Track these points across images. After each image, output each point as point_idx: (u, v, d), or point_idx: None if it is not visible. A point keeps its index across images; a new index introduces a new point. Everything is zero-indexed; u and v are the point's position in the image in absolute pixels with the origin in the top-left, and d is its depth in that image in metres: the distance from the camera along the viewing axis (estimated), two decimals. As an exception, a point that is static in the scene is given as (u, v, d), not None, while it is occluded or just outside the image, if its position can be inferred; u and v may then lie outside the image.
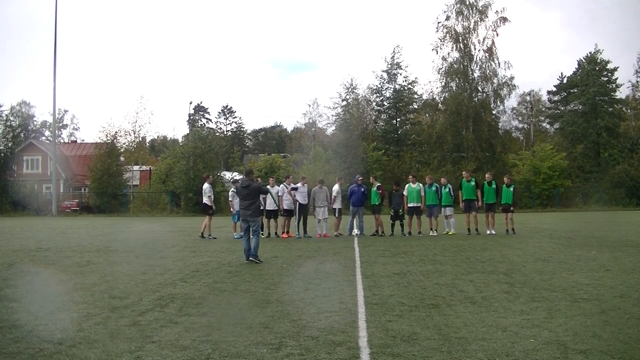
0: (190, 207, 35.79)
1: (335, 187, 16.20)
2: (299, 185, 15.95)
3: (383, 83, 44.23)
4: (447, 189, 16.30)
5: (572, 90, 50.53)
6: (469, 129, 39.91)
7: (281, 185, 16.19)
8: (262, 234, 15.98)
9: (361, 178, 16.83)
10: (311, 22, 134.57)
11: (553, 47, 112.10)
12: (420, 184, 16.29)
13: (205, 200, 16.18)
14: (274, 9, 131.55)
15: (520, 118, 64.70)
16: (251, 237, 10.15)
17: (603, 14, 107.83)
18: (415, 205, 16.01)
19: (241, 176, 37.52)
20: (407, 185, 16.27)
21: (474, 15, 40.89)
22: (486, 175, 17.07)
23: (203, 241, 15.02)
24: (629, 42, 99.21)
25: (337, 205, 16.10)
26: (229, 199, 16.31)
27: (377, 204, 16.24)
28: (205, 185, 16.36)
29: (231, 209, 16.17)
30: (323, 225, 15.97)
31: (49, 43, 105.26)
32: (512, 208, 16.37)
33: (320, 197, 15.84)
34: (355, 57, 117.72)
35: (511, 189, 16.48)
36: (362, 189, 16.28)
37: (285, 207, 15.89)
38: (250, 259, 10.06)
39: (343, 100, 44.21)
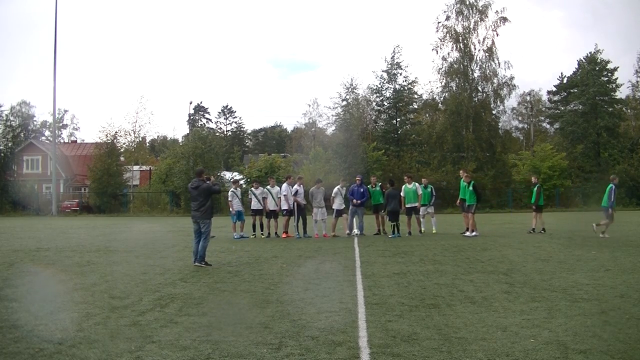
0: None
1: (335, 189, 16.12)
2: (296, 187, 15.93)
3: (383, 83, 44.18)
4: (428, 189, 16.61)
5: (572, 90, 50.51)
6: (469, 129, 39.87)
7: (283, 185, 16.17)
8: (262, 234, 16.14)
9: (359, 177, 16.82)
10: (312, 22, 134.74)
11: (555, 46, 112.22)
12: (417, 184, 16.29)
13: None
14: (275, 9, 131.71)
15: (520, 118, 64.75)
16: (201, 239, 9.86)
17: (606, 13, 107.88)
18: (413, 205, 16.04)
19: (241, 176, 37.68)
20: (403, 186, 16.26)
21: (474, 15, 40.83)
22: (460, 172, 16.67)
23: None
24: (632, 41, 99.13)
25: (336, 205, 15.98)
26: (229, 199, 16.29)
27: (380, 202, 16.39)
28: None
29: (230, 209, 16.16)
30: (322, 225, 15.97)
31: (49, 43, 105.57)
32: (534, 207, 16.41)
33: (318, 197, 15.84)
34: (355, 57, 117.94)
35: (535, 188, 16.69)
36: (362, 189, 16.27)
37: (284, 207, 15.91)
38: (196, 263, 9.77)
39: (343, 100, 44.16)
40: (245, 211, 16.75)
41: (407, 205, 16.05)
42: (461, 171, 17.14)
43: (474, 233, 15.25)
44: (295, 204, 15.73)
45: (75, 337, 5.09)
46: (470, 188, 15.61)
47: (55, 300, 7.04)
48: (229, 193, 16.30)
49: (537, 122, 63.59)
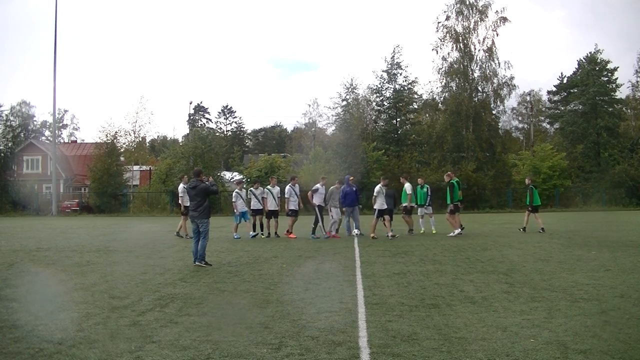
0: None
1: (377, 188, 15.57)
2: (318, 186, 15.74)
3: (383, 83, 44.10)
4: (424, 189, 16.69)
5: (572, 90, 50.48)
6: (469, 129, 39.83)
7: (286, 187, 16.13)
8: (262, 234, 16.12)
9: (352, 178, 16.81)
10: (312, 22, 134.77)
11: (556, 46, 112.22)
12: (408, 185, 16.33)
13: (180, 200, 16.37)
14: (276, 10, 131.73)
15: (520, 118, 64.77)
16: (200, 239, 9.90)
17: (607, 13, 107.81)
18: (403, 205, 16.22)
19: (241, 176, 37.65)
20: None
21: (474, 15, 40.78)
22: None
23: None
24: (632, 41, 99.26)
25: (377, 205, 15.33)
26: (233, 200, 16.23)
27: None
28: (180, 186, 16.54)
29: (234, 210, 16.11)
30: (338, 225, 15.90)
31: (49, 43, 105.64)
32: (529, 208, 16.78)
33: (336, 197, 15.74)
34: (355, 57, 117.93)
35: (528, 190, 17.11)
36: (354, 189, 16.25)
37: (291, 208, 15.87)
38: (196, 263, 9.82)
39: (343, 100, 44.12)
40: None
41: (403, 205, 16.34)
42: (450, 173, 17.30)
43: (450, 233, 15.51)
44: (316, 205, 15.60)
45: (75, 337, 5.09)
46: (448, 188, 15.88)
47: (55, 300, 7.04)
48: (234, 194, 16.24)
49: (537, 122, 63.60)
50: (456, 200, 15.79)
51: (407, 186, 16.23)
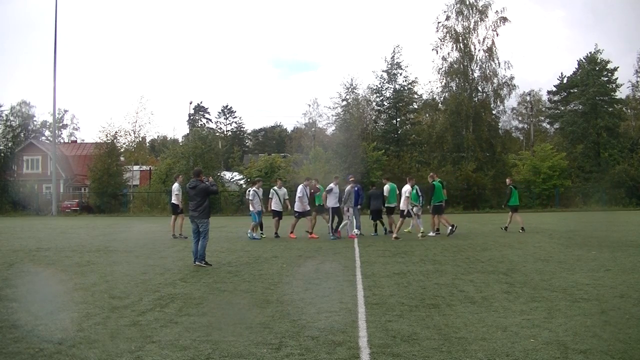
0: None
1: (406, 187, 15.42)
2: (332, 186, 15.61)
3: (383, 83, 44.08)
4: (414, 190, 16.64)
5: (572, 90, 50.50)
6: (469, 129, 39.84)
7: (299, 187, 16.11)
8: (262, 234, 16.11)
9: (352, 178, 16.80)
10: (312, 22, 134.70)
11: (556, 46, 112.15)
12: (388, 185, 16.40)
13: (173, 199, 16.42)
14: (276, 9, 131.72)
15: (520, 118, 64.76)
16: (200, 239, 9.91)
17: (607, 13, 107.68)
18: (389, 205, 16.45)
19: (241, 176, 37.60)
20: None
21: (474, 15, 40.81)
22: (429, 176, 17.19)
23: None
24: (633, 41, 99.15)
25: (404, 205, 15.24)
26: (250, 199, 16.15)
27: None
28: (175, 185, 16.64)
29: (250, 208, 16.03)
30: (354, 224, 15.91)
31: (49, 43, 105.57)
32: (503, 206, 17.07)
33: (352, 197, 15.71)
34: (355, 57, 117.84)
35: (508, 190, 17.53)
36: (356, 189, 16.23)
37: (297, 209, 15.89)
38: (196, 263, 9.84)
39: (343, 100, 44.08)
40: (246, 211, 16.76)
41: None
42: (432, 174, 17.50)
43: (432, 233, 15.89)
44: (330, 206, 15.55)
45: (75, 337, 5.09)
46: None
47: (55, 300, 7.04)
48: (251, 192, 16.16)
49: (537, 122, 63.60)
50: (438, 200, 15.98)
51: (386, 188, 16.32)
